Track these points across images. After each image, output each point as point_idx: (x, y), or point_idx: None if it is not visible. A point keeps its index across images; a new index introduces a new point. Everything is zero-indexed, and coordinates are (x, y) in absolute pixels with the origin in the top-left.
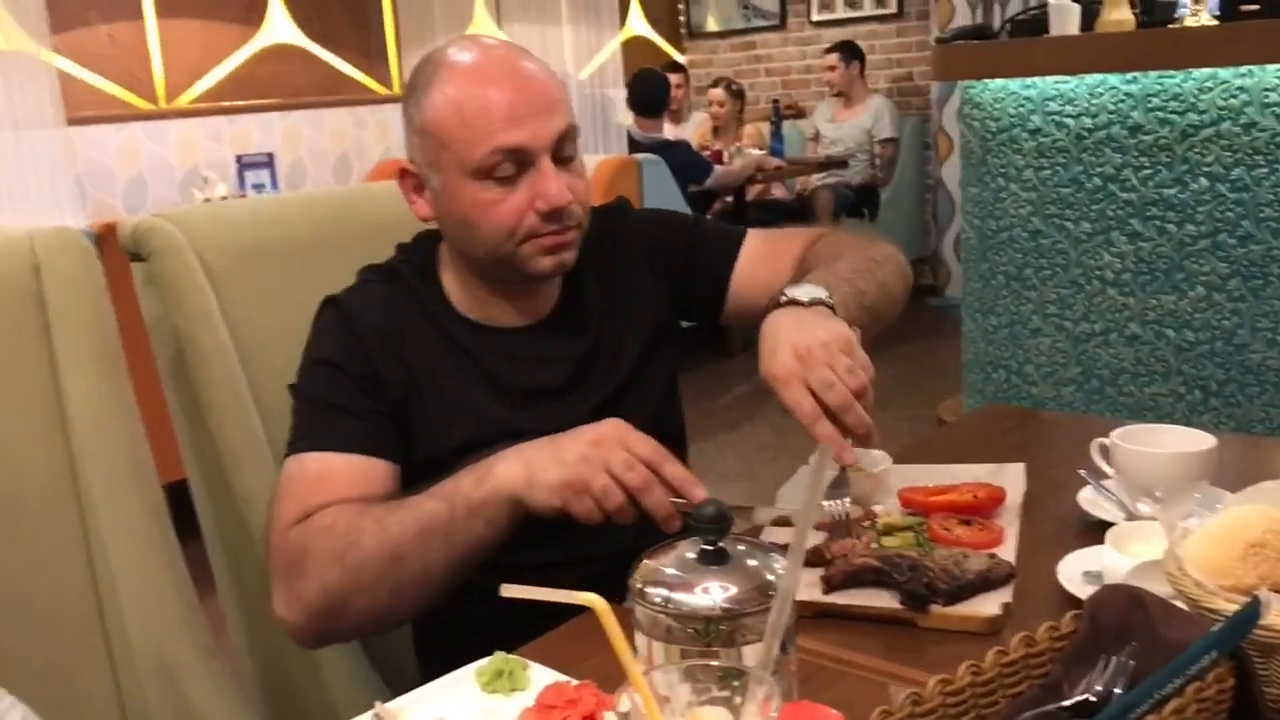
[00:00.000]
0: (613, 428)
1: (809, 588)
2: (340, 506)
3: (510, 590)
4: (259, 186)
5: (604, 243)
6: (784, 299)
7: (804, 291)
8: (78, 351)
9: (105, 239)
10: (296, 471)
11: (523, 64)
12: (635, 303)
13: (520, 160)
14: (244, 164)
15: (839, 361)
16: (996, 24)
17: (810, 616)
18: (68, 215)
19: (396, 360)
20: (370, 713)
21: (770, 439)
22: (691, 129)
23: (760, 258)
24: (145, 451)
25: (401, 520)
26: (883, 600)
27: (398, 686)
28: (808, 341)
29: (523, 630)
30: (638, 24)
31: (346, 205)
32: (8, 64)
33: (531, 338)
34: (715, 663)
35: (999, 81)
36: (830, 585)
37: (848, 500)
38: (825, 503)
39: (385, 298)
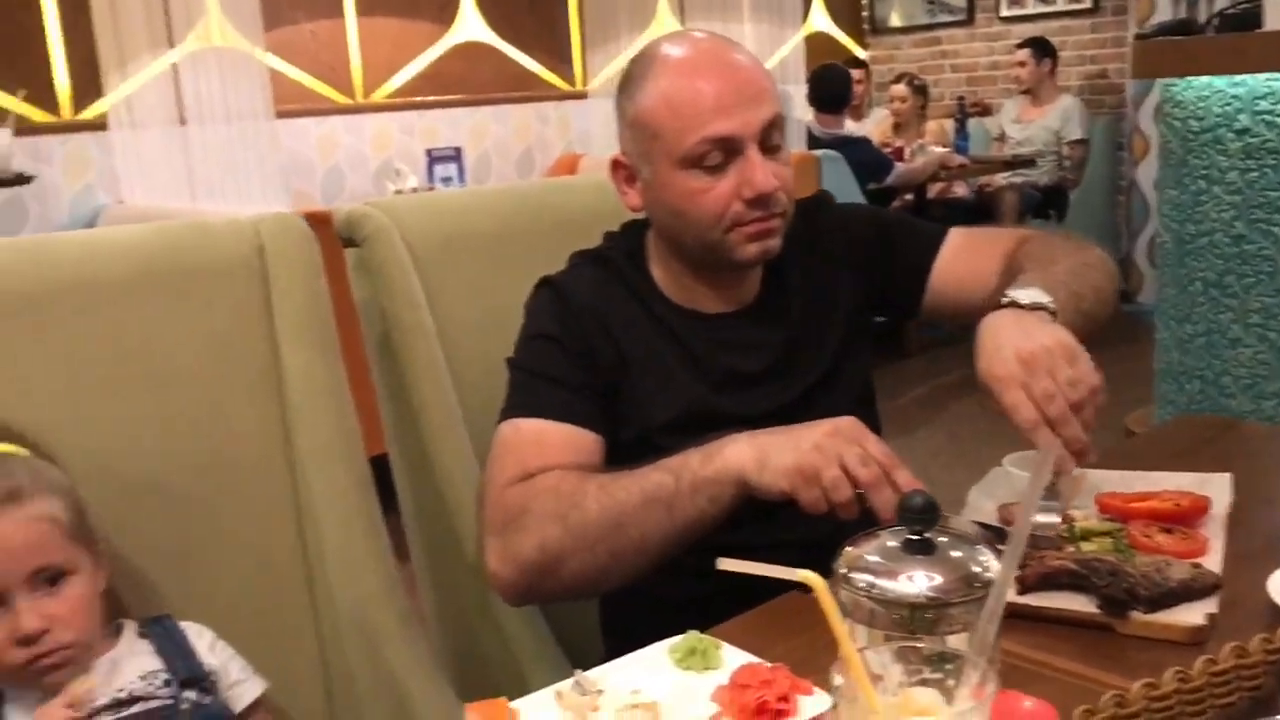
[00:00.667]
0: (849, 424)
1: None
2: (563, 471)
3: (727, 564)
4: (447, 180)
5: (805, 234)
6: (1005, 300)
7: (1026, 295)
8: (296, 329)
9: (315, 225)
10: (513, 435)
11: (732, 55)
12: (835, 294)
13: (728, 149)
14: (433, 157)
15: (1061, 371)
16: (1202, 18)
17: (1004, 617)
18: (272, 203)
19: (608, 339)
20: (571, 680)
21: (945, 444)
22: (872, 125)
23: (963, 254)
24: (354, 425)
25: (626, 488)
26: (1079, 604)
27: (579, 662)
28: (1031, 346)
29: (712, 612)
30: (820, 20)
31: (535, 199)
32: (225, 61)
33: (735, 324)
34: (929, 646)
35: (1204, 79)
36: (1024, 586)
37: (1058, 512)
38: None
39: (597, 281)
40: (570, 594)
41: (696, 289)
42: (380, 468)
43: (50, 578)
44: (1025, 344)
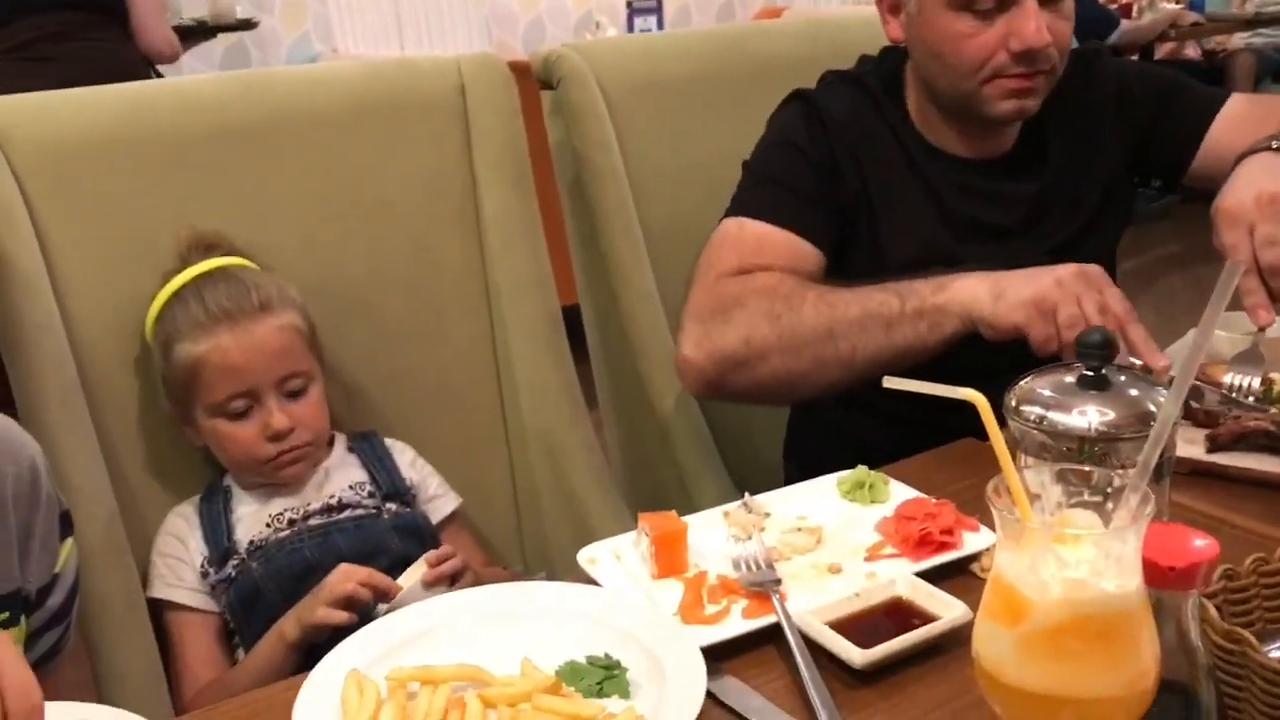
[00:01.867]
0: (1095, 270)
1: (1190, 445)
2: (783, 274)
3: (893, 382)
4: (646, 32)
5: (1074, 87)
6: (1271, 145)
7: None
8: (494, 167)
9: (515, 73)
10: (735, 231)
11: None
12: (1097, 153)
13: None
14: (634, 9)
15: None
16: None
17: (1185, 474)
18: (479, 48)
19: (854, 164)
20: (739, 501)
21: (1151, 320)
22: None
23: (1242, 122)
24: (546, 263)
25: (846, 301)
26: (1272, 465)
27: None
28: (1274, 189)
29: (888, 451)
30: None
31: (736, 43)
32: None
33: (987, 172)
34: (1091, 468)
35: None
36: (1215, 444)
37: (1259, 374)
38: (1234, 377)
39: (852, 103)
40: (758, 394)
41: (949, 131)
42: (571, 318)
43: (294, 383)
44: (1269, 186)
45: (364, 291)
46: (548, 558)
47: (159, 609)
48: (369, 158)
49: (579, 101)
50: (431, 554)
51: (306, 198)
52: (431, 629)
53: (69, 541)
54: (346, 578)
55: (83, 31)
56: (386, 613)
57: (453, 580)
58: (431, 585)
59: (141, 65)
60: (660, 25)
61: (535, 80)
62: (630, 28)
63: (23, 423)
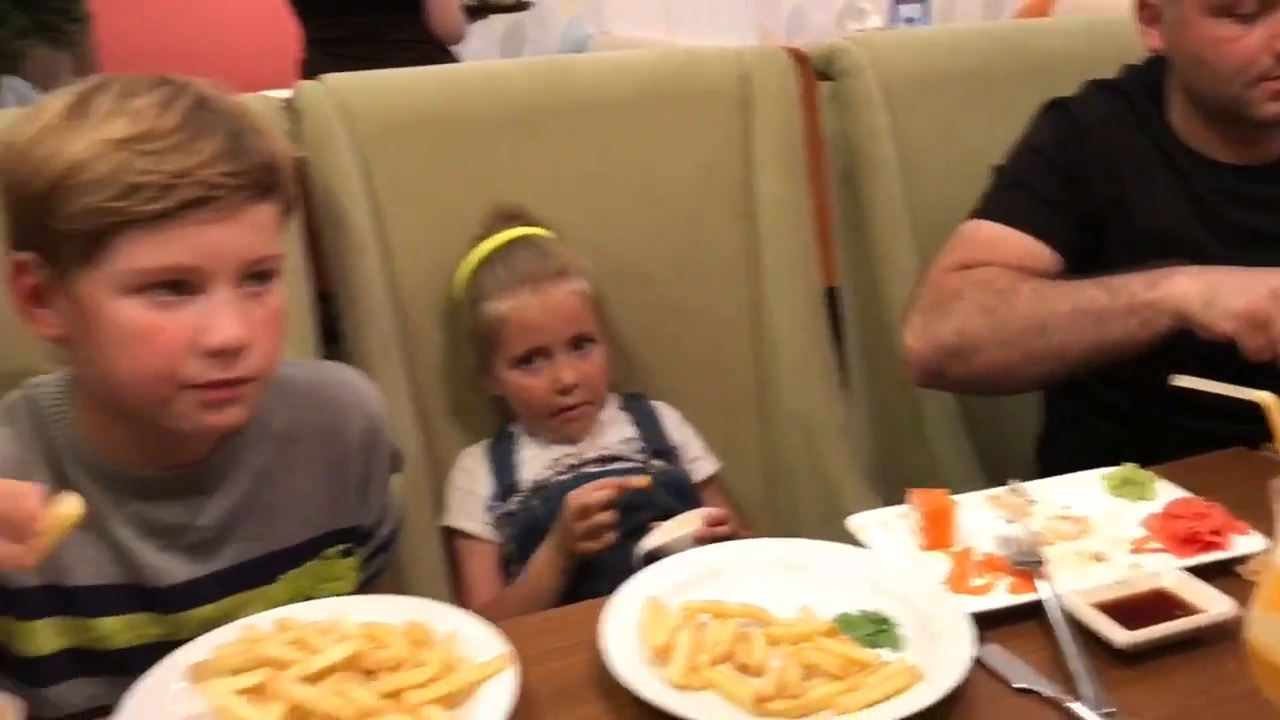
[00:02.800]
0: None
1: None
2: (1001, 269)
3: (1182, 380)
4: (910, 20)
5: None
6: None
7: None
8: (771, 155)
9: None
10: (971, 232)
11: None
12: None
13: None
14: None
15: None
16: None
17: None
18: (741, 35)
19: (1108, 170)
20: (1007, 487)
21: None
22: None
23: None
24: (812, 247)
25: (1059, 295)
26: None
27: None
28: None
29: (1145, 452)
30: None
31: (1014, 39)
32: None
33: (1256, 177)
34: None
35: None
36: None
37: None
38: None
39: (1110, 111)
40: (975, 384)
41: (1215, 138)
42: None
43: (581, 343)
44: None
45: (640, 265)
46: (795, 532)
47: (448, 536)
48: (653, 142)
49: (858, 93)
50: (709, 512)
51: (595, 177)
52: (720, 571)
53: (397, 477)
54: (585, 511)
55: (393, 33)
56: (654, 558)
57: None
58: (704, 542)
59: (440, 57)
60: (927, 13)
61: (813, 71)
62: (895, 15)
63: (351, 365)
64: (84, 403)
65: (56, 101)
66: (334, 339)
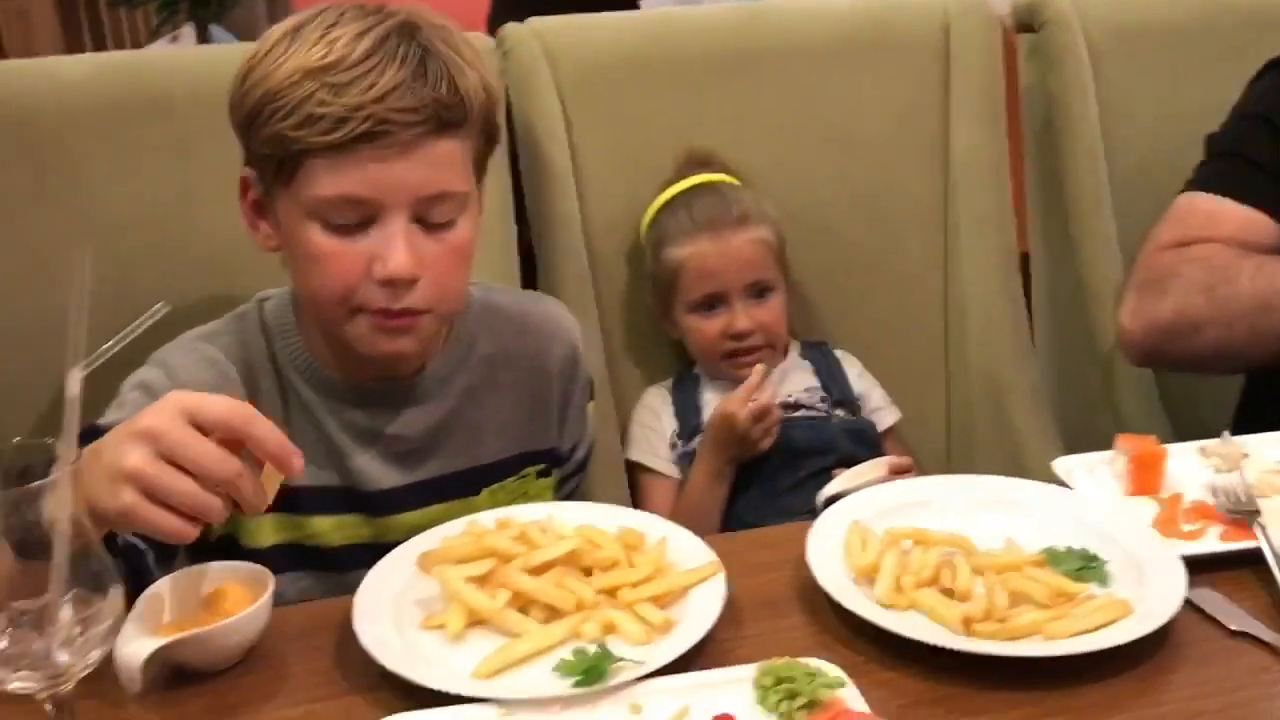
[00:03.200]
0: None
1: None
2: (1221, 245)
3: None
4: None
5: None
6: None
7: None
8: (968, 106)
9: None
10: (1186, 206)
11: None
12: None
13: None
14: None
15: None
16: None
17: None
18: None
19: None
20: (1217, 439)
21: None
22: None
23: None
24: (1008, 202)
25: None
26: None
27: None
28: None
29: None
30: None
31: None
32: None
33: None
34: None
35: None
36: None
37: None
38: None
39: None
40: (1195, 364)
41: None
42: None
43: (760, 290)
44: None
45: (830, 215)
46: None
47: (630, 469)
48: (849, 89)
49: (1061, 45)
50: (895, 460)
51: (789, 124)
52: (924, 501)
53: (591, 405)
54: (765, 411)
55: None
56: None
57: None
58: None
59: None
60: None
61: (1013, 22)
62: None
63: None
64: (302, 316)
65: (280, 27)
66: (531, 274)
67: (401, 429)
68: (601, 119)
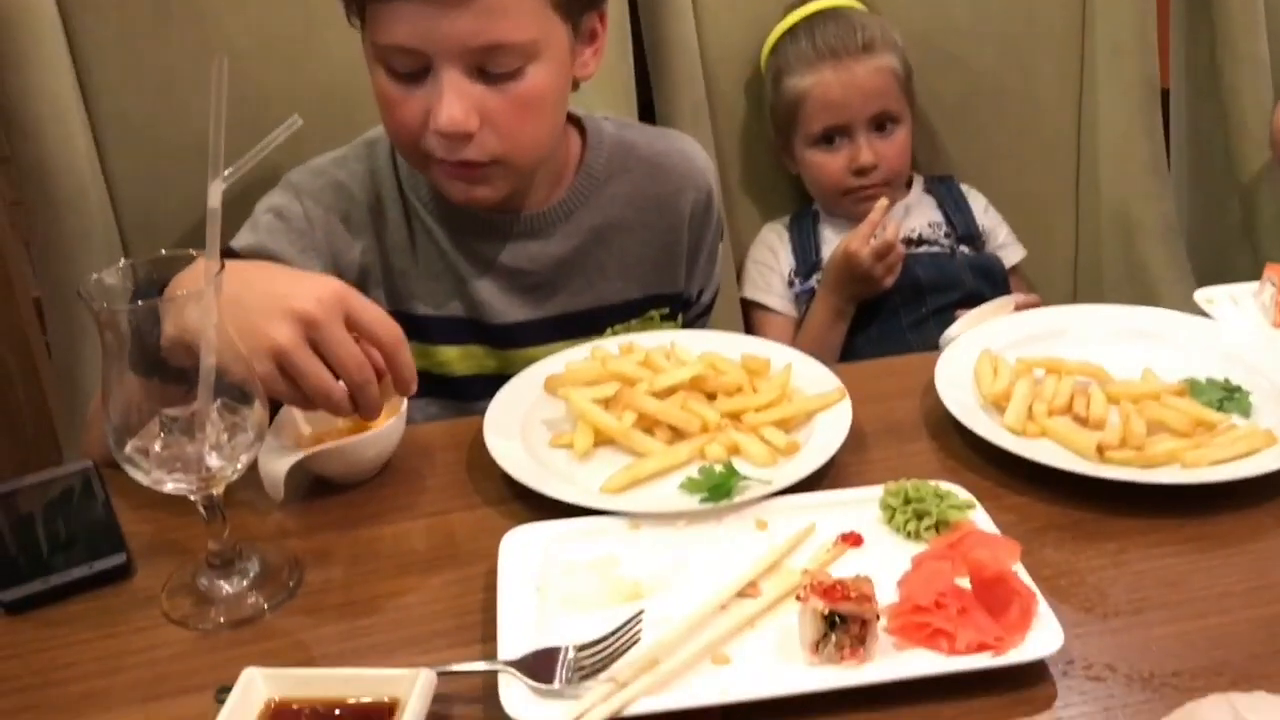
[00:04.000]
0: None
1: None
2: None
3: None
4: None
5: None
6: None
7: None
8: None
9: None
10: None
11: None
12: None
13: None
14: None
15: None
16: None
17: None
18: None
19: None
20: None
21: None
22: None
23: None
24: (1152, 31)
25: None
26: None
27: None
28: None
29: None
30: None
31: None
32: None
33: None
34: None
35: None
36: None
37: None
38: None
39: None
40: None
41: None
42: None
43: (884, 122)
44: None
45: (962, 43)
46: None
47: (746, 306)
48: None
49: None
50: (1022, 298)
51: None
52: (1058, 331)
53: (720, 246)
54: (889, 247)
55: None
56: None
57: None
58: None
59: None
60: None
61: None
62: None
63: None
64: None
65: None
66: (645, 117)
67: (525, 262)
68: None
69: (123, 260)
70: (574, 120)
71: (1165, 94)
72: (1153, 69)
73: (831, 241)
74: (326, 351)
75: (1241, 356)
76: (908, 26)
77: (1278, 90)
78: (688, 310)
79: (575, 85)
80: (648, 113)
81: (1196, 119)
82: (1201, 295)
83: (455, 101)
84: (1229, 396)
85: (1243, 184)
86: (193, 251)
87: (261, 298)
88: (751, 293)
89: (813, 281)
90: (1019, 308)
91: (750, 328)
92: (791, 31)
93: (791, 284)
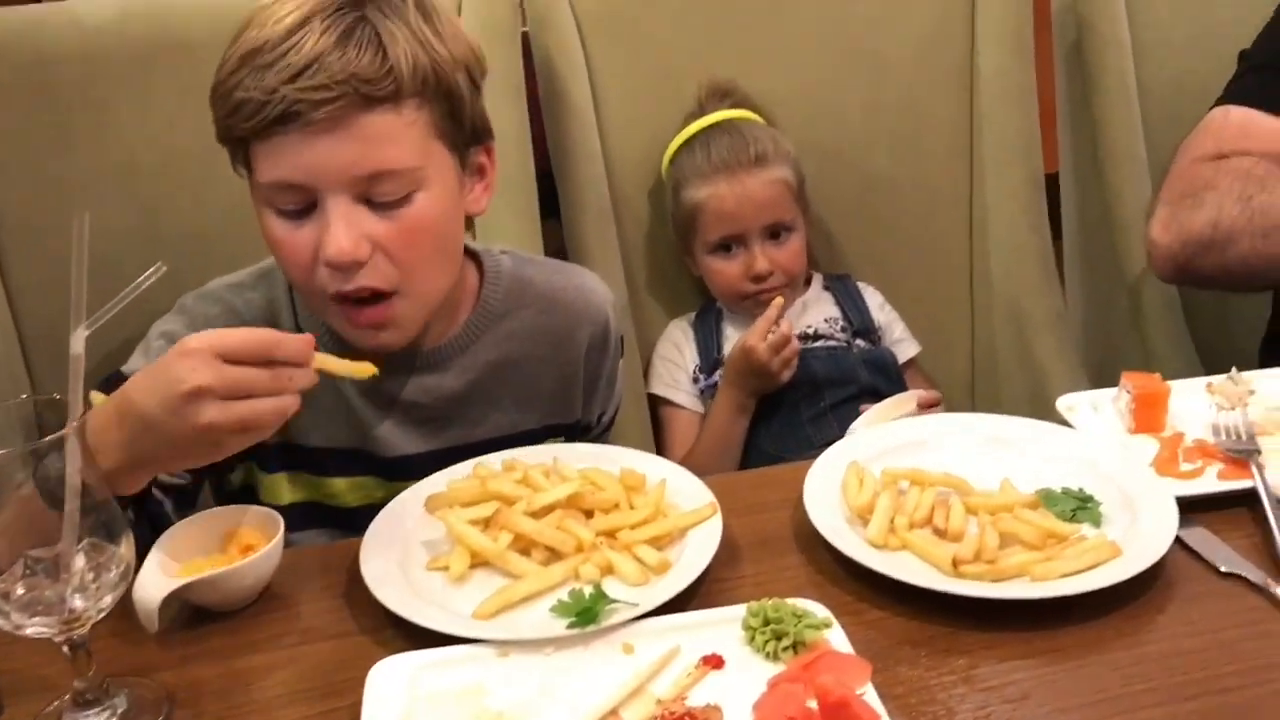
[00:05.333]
0: None
1: None
2: (1258, 157)
3: None
4: None
5: None
6: None
7: None
8: (995, 29)
9: None
10: (1220, 119)
11: None
12: None
13: None
14: None
15: None
16: None
17: None
18: None
19: None
20: (1225, 375)
21: None
22: None
23: None
24: (1036, 126)
25: None
26: None
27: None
28: None
29: None
30: None
31: None
32: None
33: None
34: None
35: None
36: None
37: None
38: None
39: None
40: (1227, 279)
41: None
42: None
43: (777, 231)
44: None
45: (854, 141)
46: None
47: (653, 401)
48: (874, 12)
49: None
50: (924, 394)
51: (812, 50)
52: (920, 441)
53: (621, 362)
54: (785, 341)
55: None
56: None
57: None
58: None
59: None
60: None
61: None
62: None
63: (567, 235)
64: None
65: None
66: (552, 213)
67: (420, 396)
68: (621, 51)
69: None
70: (471, 255)
71: (1055, 178)
72: (1038, 167)
73: (733, 338)
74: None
75: (1095, 465)
76: (803, 132)
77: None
78: (587, 434)
79: (469, 222)
80: (553, 207)
81: (1084, 210)
82: (1063, 403)
83: (343, 230)
84: (1082, 506)
85: (1129, 277)
86: (56, 396)
87: (150, 398)
88: (658, 388)
89: (716, 377)
90: (921, 404)
91: (657, 422)
92: (688, 144)
93: (696, 379)
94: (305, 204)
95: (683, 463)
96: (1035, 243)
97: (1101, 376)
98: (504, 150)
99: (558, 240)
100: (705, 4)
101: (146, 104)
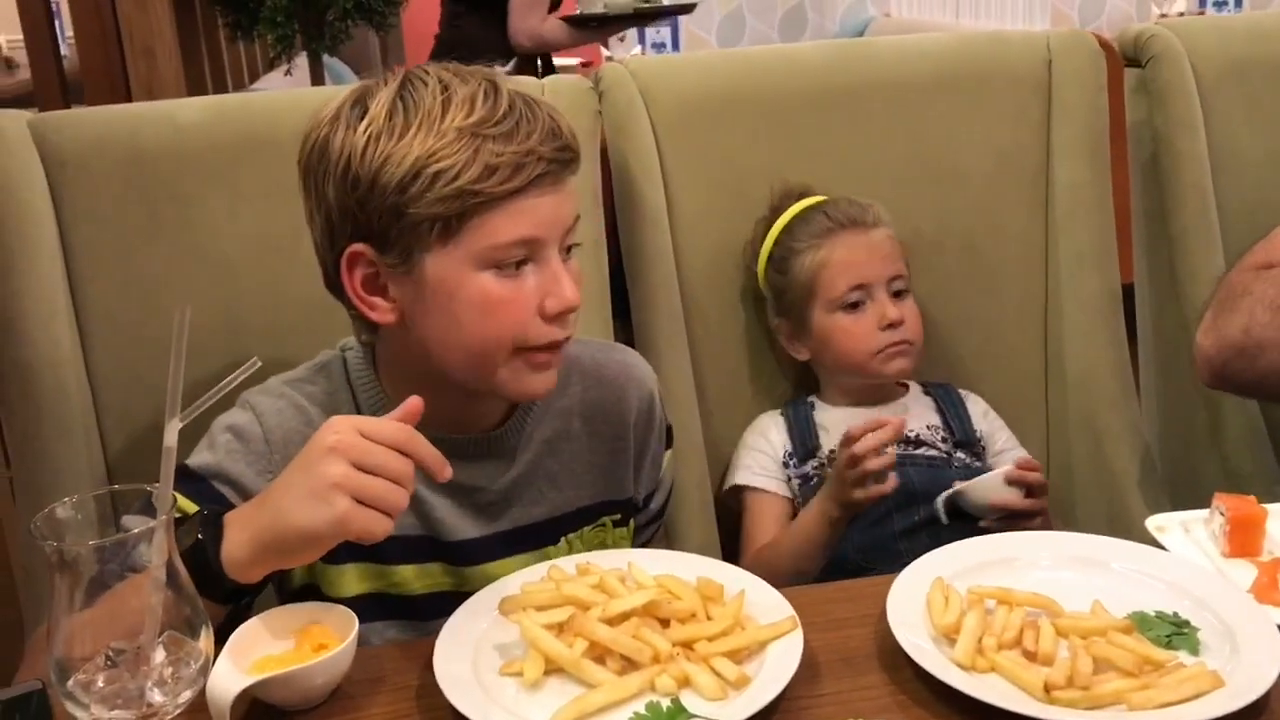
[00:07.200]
0: None
1: None
2: None
3: None
4: (1220, 5)
5: None
6: None
7: None
8: (1071, 143)
9: None
10: (1278, 232)
11: None
12: None
13: None
14: None
15: None
16: None
17: None
18: (1035, 21)
19: None
20: None
21: None
22: None
23: None
24: (1112, 239)
25: None
26: None
27: None
28: None
29: None
30: None
31: None
32: None
33: None
34: None
35: None
36: None
37: None
38: None
39: None
40: (1261, 387)
41: None
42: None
43: (899, 290)
44: None
45: (929, 251)
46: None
47: (737, 496)
48: (949, 125)
49: (1168, 81)
50: (1024, 458)
51: (887, 160)
52: (1010, 559)
53: (669, 453)
54: (854, 460)
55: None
56: (957, 501)
57: (1028, 493)
58: (1013, 484)
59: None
60: None
61: (1120, 57)
62: (1202, 3)
63: (637, 336)
64: (394, 372)
65: (355, 105)
66: (623, 312)
67: (482, 481)
68: (695, 157)
69: (75, 495)
70: None
71: (1130, 289)
72: (1114, 280)
73: (831, 430)
74: (370, 466)
75: (1190, 590)
76: None
77: None
78: (639, 514)
79: None
80: (619, 308)
81: (1160, 323)
82: (1153, 523)
83: (571, 280)
84: (1178, 632)
85: (1209, 392)
86: (146, 486)
87: (295, 470)
88: (744, 478)
89: (809, 468)
90: (1018, 464)
91: (744, 511)
92: (800, 216)
93: (786, 464)
94: (523, 259)
95: (762, 551)
96: (1113, 355)
97: (1177, 494)
98: (581, 251)
99: (627, 341)
100: (780, 112)
101: (235, 200)
